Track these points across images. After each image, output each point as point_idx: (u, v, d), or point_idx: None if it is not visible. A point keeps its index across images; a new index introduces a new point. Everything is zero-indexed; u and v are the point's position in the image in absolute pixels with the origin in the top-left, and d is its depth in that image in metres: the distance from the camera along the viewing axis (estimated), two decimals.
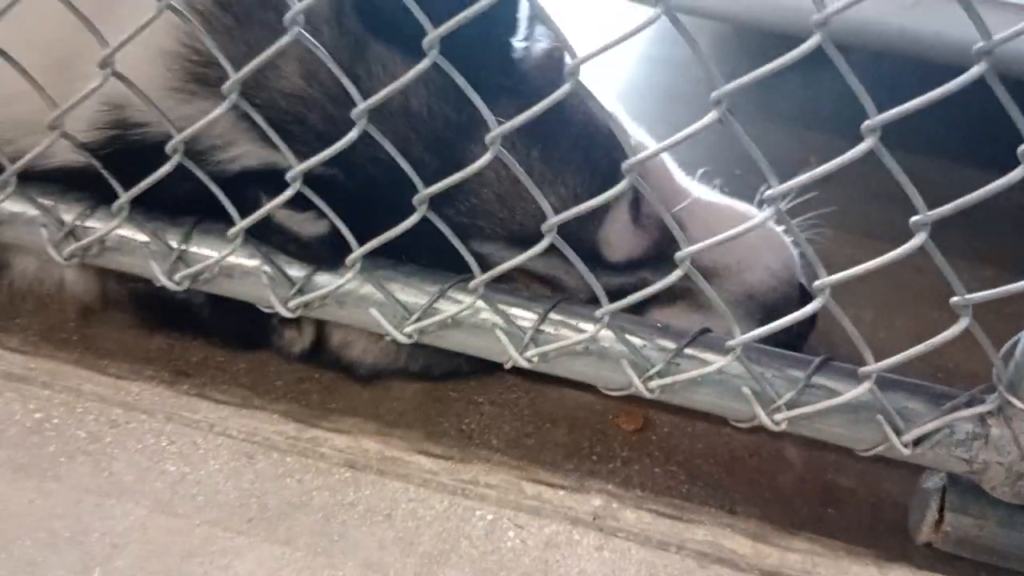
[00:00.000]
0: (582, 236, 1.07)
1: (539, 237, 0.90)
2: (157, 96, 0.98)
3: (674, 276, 0.88)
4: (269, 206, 0.96)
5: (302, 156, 0.93)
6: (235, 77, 0.89)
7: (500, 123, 0.84)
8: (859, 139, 0.75)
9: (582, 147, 1.08)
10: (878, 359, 0.90)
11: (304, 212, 1.01)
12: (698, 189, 1.25)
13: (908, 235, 0.79)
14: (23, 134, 1.04)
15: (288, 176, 0.93)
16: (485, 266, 0.97)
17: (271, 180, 0.97)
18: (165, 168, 0.97)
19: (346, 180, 1.01)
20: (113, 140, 1.03)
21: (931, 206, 0.77)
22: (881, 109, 0.73)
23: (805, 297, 1.10)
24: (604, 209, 1.06)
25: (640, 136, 1.23)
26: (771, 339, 0.91)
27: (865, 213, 1.64)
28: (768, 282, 1.19)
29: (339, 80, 0.87)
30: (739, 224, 0.84)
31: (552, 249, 0.91)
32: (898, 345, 1.45)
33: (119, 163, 1.02)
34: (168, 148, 0.96)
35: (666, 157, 1.24)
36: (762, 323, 0.92)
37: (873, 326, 1.41)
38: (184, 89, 1.01)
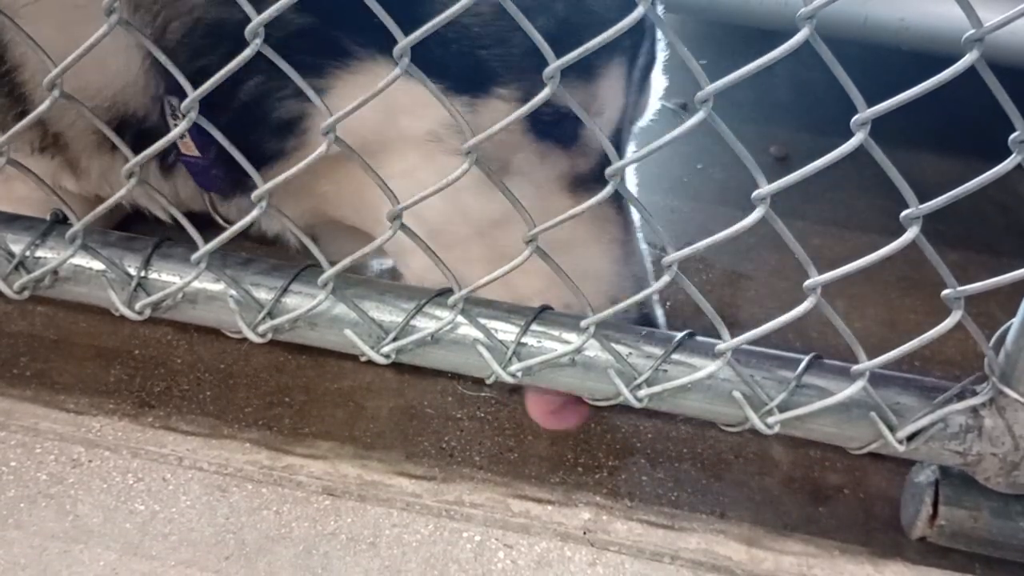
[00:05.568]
0: None
1: None
2: None
3: (662, 282, 0.86)
4: None
5: None
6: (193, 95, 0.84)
7: None
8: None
9: None
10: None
11: None
12: None
13: (885, 225, 0.77)
14: None
15: None
16: None
17: None
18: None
19: None
20: None
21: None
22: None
23: None
24: None
25: None
26: None
27: (841, 204, 1.64)
28: None
29: None
30: None
31: None
32: (874, 334, 1.46)
33: None
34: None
35: None
36: None
37: (847, 316, 1.38)
38: None
